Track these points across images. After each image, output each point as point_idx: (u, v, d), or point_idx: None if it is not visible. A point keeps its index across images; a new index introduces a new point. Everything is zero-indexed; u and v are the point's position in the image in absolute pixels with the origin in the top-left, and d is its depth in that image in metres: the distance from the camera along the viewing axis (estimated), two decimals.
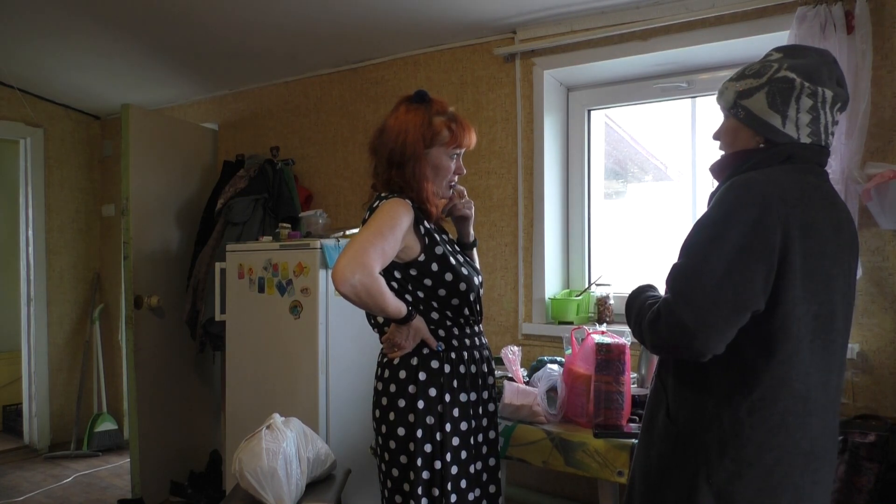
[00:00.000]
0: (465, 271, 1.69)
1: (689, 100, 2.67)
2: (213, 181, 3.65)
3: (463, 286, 1.68)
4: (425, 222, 1.66)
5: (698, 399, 1.26)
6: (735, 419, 1.21)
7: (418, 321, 1.64)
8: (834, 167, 1.99)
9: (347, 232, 2.82)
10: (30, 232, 4.33)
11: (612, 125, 2.95)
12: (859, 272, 2.03)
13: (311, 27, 2.94)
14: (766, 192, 1.18)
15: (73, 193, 4.53)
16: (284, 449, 2.01)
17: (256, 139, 3.74)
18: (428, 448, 1.64)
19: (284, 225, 2.87)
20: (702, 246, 1.21)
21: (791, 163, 1.26)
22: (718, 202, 1.23)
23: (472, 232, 1.88)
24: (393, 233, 1.54)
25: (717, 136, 1.41)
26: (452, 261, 1.67)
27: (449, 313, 1.69)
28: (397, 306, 1.57)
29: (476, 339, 1.77)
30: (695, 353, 1.18)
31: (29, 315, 4.34)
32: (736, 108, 1.32)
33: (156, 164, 3.44)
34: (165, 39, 3.24)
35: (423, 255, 1.64)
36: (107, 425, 4.34)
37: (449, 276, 1.66)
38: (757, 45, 2.24)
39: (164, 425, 3.43)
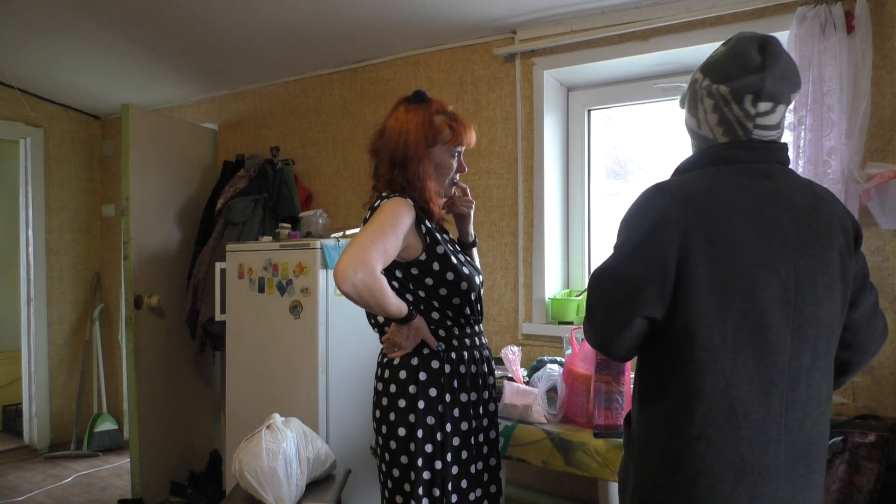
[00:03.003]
0: (466, 270, 1.69)
1: None
2: (213, 181, 3.65)
3: (464, 285, 1.68)
4: (427, 222, 1.66)
5: (638, 405, 1.28)
6: (658, 426, 1.20)
7: (419, 321, 1.64)
8: (834, 167, 1.99)
9: (347, 232, 2.82)
10: (30, 232, 4.33)
11: (612, 125, 2.95)
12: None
13: (312, 27, 2.94)
14: (666, 199, 1.15)
15: (73, 193, 4.53)
16: (284, 449, 2.02)
17: (256, 139, 3.74)
18: (429, 448, 1.64)
19: (284, 225, 2.87)
20: (611, 251, 1.23)
21: (726, 164, 1.20)
22: (628, 209, 1.23)
23: (472, 231, 1.88)
24: (395, 231, 1.54)
25: None
26: (454, 260, 1.67)
27: (450, 313, 1.70)
28: (398, 306, 1.57)
29: (476, 338, 1.77)
30: (606, 354, 1.27)
31: (29, 315, 4.34)
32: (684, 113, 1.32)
33: (156, 164, 3.44)
34: (165, 39, 3.24)
35: (424, 254, 1.64)
36: (107, 425, 4.34)
37: (450, 276, 1.66)
38: None
39: (164, 425, 3.43)
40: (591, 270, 2.82)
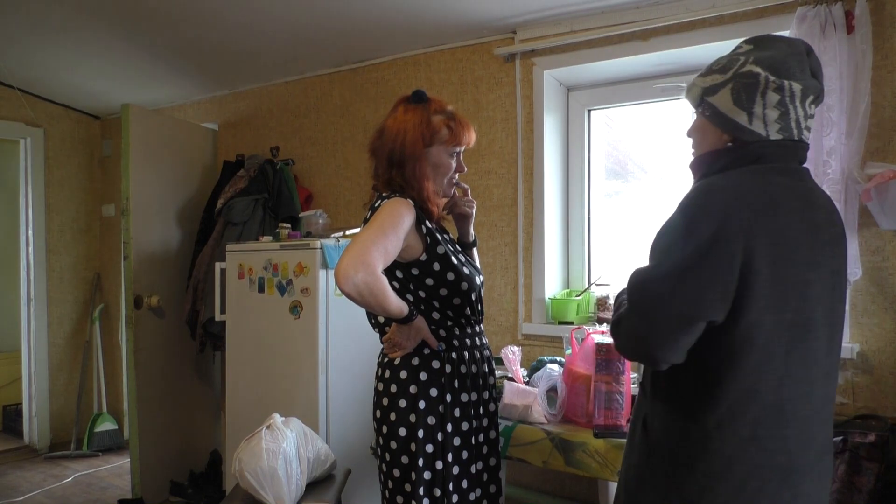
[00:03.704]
0: (466, 271, 1.69)
1: None
2: (213, 181, 3.65)
3: (465, 286, 1.68)
4: (427, 222, 1.66)
5: (669, 410, 1.23)
6: (703, 432, 1.17)
7: (420, 321, 1.64)
8: (834, 167, 1.99)
9: (347, 232, 2.82)
10: (30, 232, 4.33)
11: (612, 125, 2.95)
12: (859, 272, 2.04)
13: (312, 27, 2.94)
14: (729, 200, 1.14)
15: (73, 193, 4.53)
16: (284, 449, 2.02)
17: (256, 139, 3.74)
18: (429, 448, 1.64)
19: (284, 225, 2.87)
20: (659, 254, 1.19)
21: (761, 163, 1.21)
22: (680, 209, 1.19)
23: (472, 231, 1.88)
24: (395, 231, 1.54)
25: (689, 134, 1.37)
26: (454, 260, 1.67)
27: (450, 313, 1.70)
28: (399, 305, 1.57)
29: (477, 339, 1.77)
30: (650, 361, 1.19)
31: (29, 315, 4.34)
32: (702, 106, 1.28)
33: (156, 164, 3.44)
34: (165, 39, 3.24)
35: (424, 254, 1.64)
36: (107, 425, 4.34)
37: (451, 276, 1.66)
38: None
39: (164, 425, 3.43)
40: (591, 270, 2.84)
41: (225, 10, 2.86)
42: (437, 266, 1.65)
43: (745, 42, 1.28)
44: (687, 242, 1.14)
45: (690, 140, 1.36)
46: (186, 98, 4.06)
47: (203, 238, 3.47)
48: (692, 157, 1.35)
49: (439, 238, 1.67)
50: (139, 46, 3.33)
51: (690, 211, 1.17)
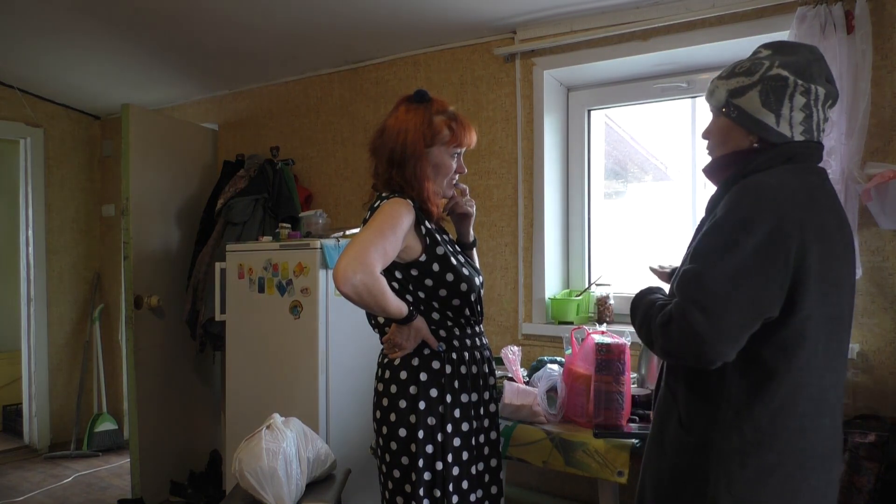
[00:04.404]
0: (466, 272, 1.69)
1: (689, 100, 2.67)
2: (213, 181, 3.65)
3: (464, 286, 1.67)
4: (426, 222, 1.66)
5: (714, 408, 1.24)
6: (757, 428, 1.20)
7: (419, 321, 1.64)
8: (834, 167, 1.99)
9: (347, 232, 2.82)
10: (30, 232, 4.33)
11: (612, 125, 2.95)
12: (859, 272, 2.03)
13: (312, 27, 2.94)
14: (780, 196, 1.18)
15: (73, 193, 4.53)
16: (284, 449, 2.02)
17: (256, 139, 3.73)
18: (429, 449, 1.64)
19: (284, 225, 2.87)
20: (716, 252, 1.18)
21: (793, 163, 1.26)
22: (732, 207, 1.19)
23: (471, 232, 1.88)
24: (394, 232, 1.54)
25: (706, 136, 1.39)
26: (454, 261, 1.67)
27: (450, 314, 1.69)
28: (398, 306, 1.57)
29: (477, 339, 1.77)
30: (706, 360, 1.16)
31: (29, 315, 4.34)
32: (728, 107, 1.30)
33: (156, 164, 3.44)
34: (165, 39, 3.24)
35: (424, 255, 1.64)
36: (107, 425, 4.34)
37: (450, 277, 1.65)
38: (757, 45, 2.23)
39: (164, 425, 3.43)
40: (591, 271, 2.84)
41: (225, 10, 2.85)
42: (436, 267, 1.64)
43: (763, 47, 1.33)
44: (746, 240, 1.15)
45: (707, 141, 1.39)
46: (186, 98, 4.06)
47: (203, 238, 3.47)
48: (711, 158, 1.38)
49: (439, 239, 1.67)
50: (139, 46, 3.33)
51: (744, 209, 1.18)
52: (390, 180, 1.67)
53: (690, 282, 1.18)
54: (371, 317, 1.77)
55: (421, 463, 1.62)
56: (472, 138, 1.72)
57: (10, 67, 3.82)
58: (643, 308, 1.32)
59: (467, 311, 1.72)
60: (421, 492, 1.62)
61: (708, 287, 1.16)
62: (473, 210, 1.85)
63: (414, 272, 1.65)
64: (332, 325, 2.60)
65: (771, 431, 1.19)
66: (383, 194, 1.67)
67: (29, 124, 4.27)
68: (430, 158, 1.67)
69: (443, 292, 1.66)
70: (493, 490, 1.77)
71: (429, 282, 1.65)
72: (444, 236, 1.74)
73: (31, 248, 4.33)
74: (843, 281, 1.24)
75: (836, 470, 1.28)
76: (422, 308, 1.67)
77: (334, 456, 2.25)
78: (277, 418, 2.12)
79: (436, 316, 1.68)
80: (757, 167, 1.26)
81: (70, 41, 3.37)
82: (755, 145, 1.29)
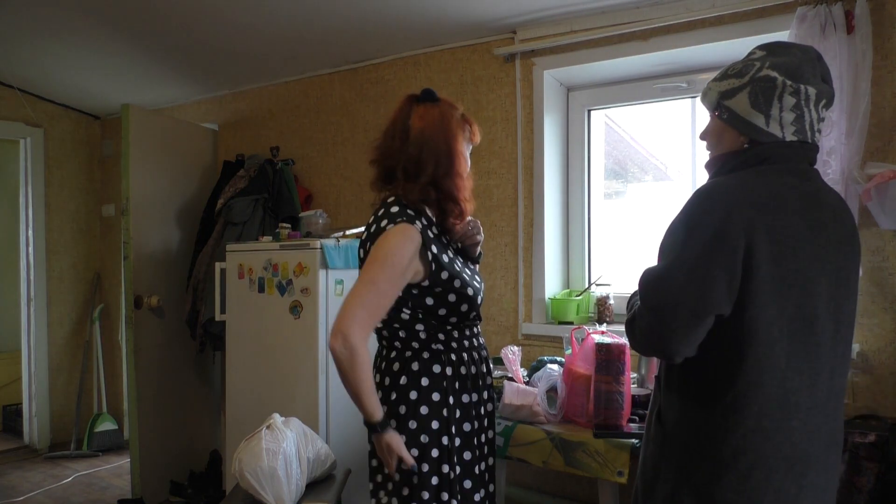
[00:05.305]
0: (469, 291, 1.66)
1: (689, 100, 2.67)
2: (213, 181, 3.65)
3: (465, 307, 1.66)
4: (433, 247, 1.60)
5: (682, 402, 1.29)
6: (712, 423, 1.23)
7: (390, 436, 1.55)
8: (834, 167, 1.99)
9: (347, 232, 2.82)
10: (30, 232, 4.33)
11: (612, 125, 2.95)
12: (859, 272, 2.03)
13: (312, 27, 2.94)
14: (730, 197, 1.20)
15: (73, 193, 4.53)
16: (284, 449, 2.02)
17: (256, 139, 3.74)
18: (435, 453, 1.62)
19: (284, 225, 2.87)
20: (667, 252, 1.25)
21: (767, 164, 1.26)
22: (684, 208, 1.25)
23: (479, 248, 1.84)
24: (392, 278, 1.51)
25: (703, 137, 1.41)
26: (457, 283, 1.63)
27: (450, 320, 1.67)
28: (373, 405, 1.51)
29: (475, 339, 1.76)
30: (665, 355, 1.25)
31: (29, 315, 4.34)
32: (720, 109, 1.32)
33: (156, 164, 3.44)
34: (166, 39, 3.24)
35: (427, 280, 1.60)
36: (107, 425, 4.34)
37: (452, 298, 1.63)
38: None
39: (164, 425, 3.43)
40: (591, 271, 2.84)
41: (225, 11, 2.85)
42: (438, 290, 1.62)
43: (758, 48, 1.33)
44: (692, 240, 1.20)
45: (705, 142, 1.40)
46: (186, 98, 4.06)
47: (203, 238, 3.47)
48: (708, 159, 1.40)
49: (444, 261, 1.62)
50: (139, 46, 3.33)
51: (694, 210, 1.23)
52: (434, 183, 1.59)
53: (644, 282, 1.26)
54: None
55: (426, 468, 1.61)
56: (479, 136, 1.74)
57: (10, 67, 3.82)
58: (628, 309, 1.40)
59: (465, 321, 1.70)
60: (425, 495, 1.60)
61: (656, 286, 1.23)
62: (482, 237, 1.81)
63: (415, 291, 1.61)
64: (332, 324, 2.59)
65: (725, 427, 1.21)
66: (391, 210, 1.60)
67: (29, 124, 4.27)
68: (466, 156, 1.68)
69: (442, 311, 1.64)
70: (491, 488, 1.77)
71: (429, 301, 1.63)
72: (450, 251, 1.68)
73: (31, 248, 4.33)
74: (814, 282, 1.20)
75: (812, 476, 1.22)
76: (420, 317, 1.64)
77: (334, 456, 2.25)
78: (277, 418, 2.12)
79: (434, 322, 1.66)
80: (732, 168, 1.29)
81: (70, 41, 3.37)
82: (746, 146, 1.30)
